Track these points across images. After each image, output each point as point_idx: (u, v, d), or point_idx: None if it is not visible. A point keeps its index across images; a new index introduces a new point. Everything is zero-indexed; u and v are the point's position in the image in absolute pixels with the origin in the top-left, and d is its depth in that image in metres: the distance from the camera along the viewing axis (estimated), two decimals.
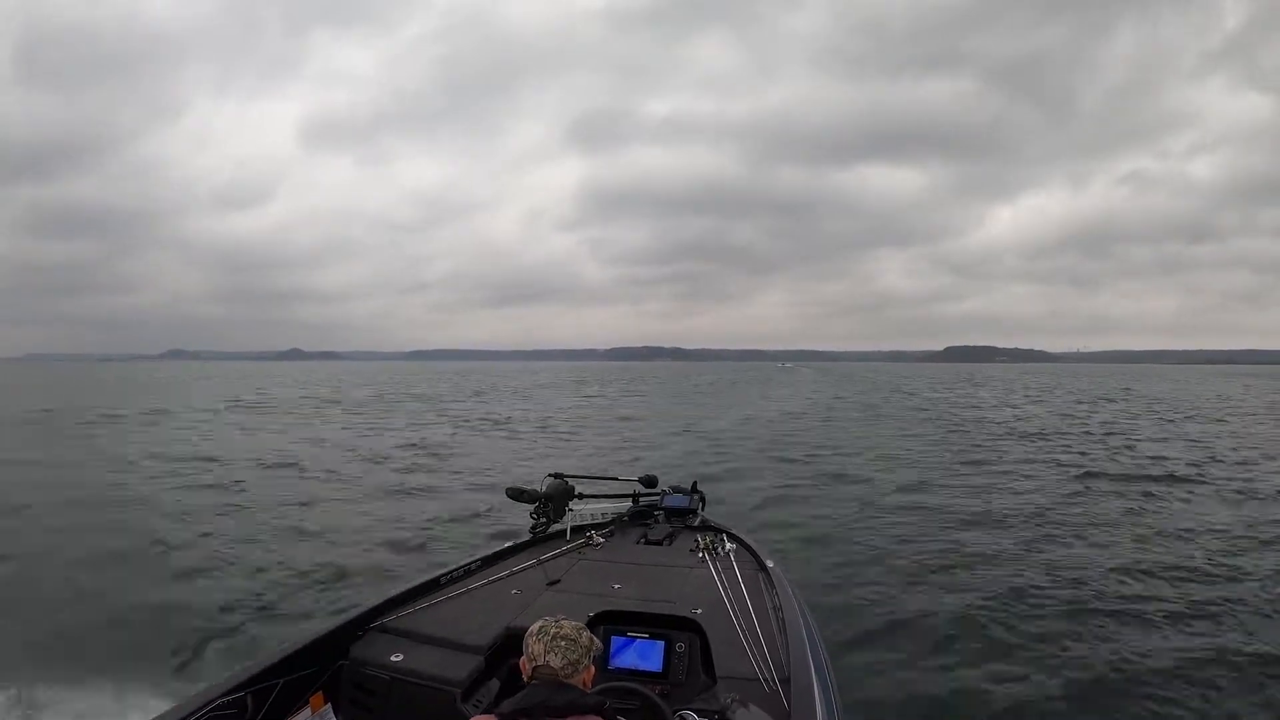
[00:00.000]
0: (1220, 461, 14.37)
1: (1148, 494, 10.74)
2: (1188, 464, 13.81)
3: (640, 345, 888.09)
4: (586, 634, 1.90)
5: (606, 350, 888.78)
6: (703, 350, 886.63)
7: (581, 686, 1.83)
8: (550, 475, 4.34)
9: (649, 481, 4.82)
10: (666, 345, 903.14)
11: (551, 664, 1.80)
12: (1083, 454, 15.45)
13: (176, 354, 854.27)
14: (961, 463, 14.08)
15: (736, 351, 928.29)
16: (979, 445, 17.11)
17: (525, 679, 1.85)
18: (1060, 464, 13.91)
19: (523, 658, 1.89)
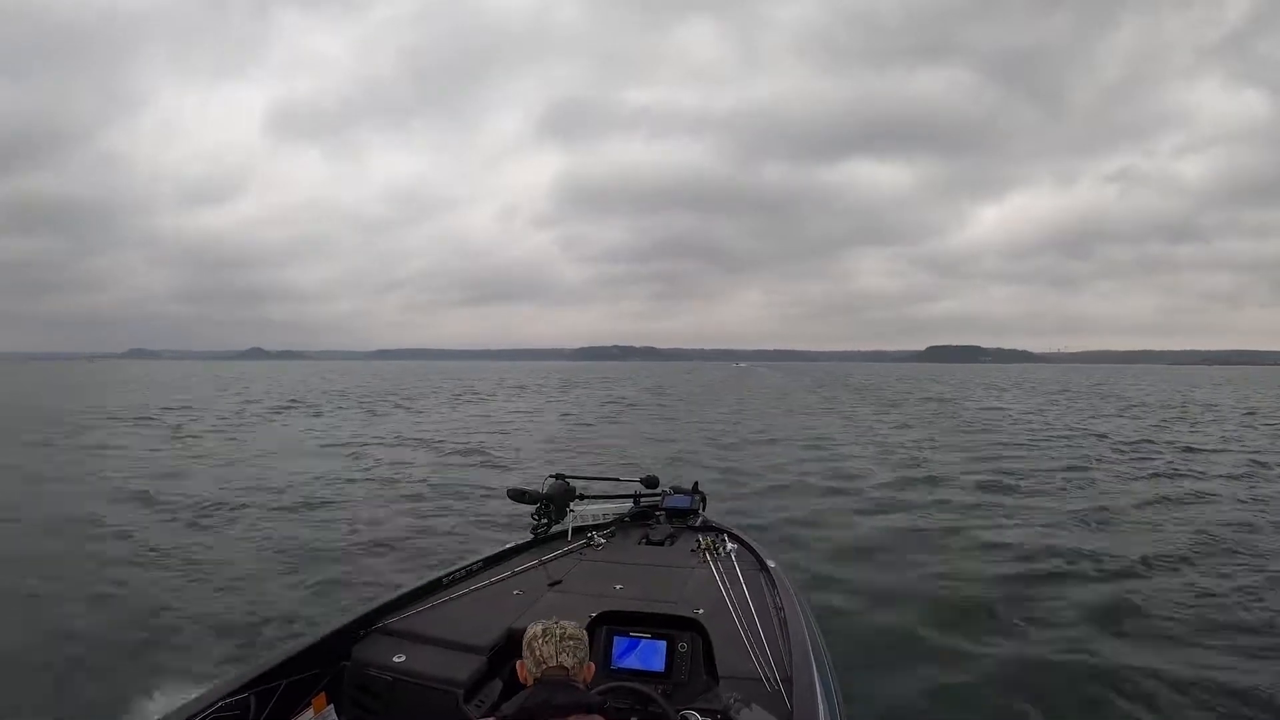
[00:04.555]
0: None
1: None
2: None
3: (611, 345, 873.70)
4: (584, 631, 1.96)
5: (574, 350, 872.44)
6: (676, 350, 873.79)
7: (582, 684, 1.86)
8: (551, 476, 4.34)
9: (650, 482, 4.84)
10: (639, 345, 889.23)
11: (565, 664, 1.82)
12: None
13: (138, 353, 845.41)
14: None
15: (711, 351, 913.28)
16: None
17: (525, 684, 1.85)
18: None
19: (519, 661, 1.89)
